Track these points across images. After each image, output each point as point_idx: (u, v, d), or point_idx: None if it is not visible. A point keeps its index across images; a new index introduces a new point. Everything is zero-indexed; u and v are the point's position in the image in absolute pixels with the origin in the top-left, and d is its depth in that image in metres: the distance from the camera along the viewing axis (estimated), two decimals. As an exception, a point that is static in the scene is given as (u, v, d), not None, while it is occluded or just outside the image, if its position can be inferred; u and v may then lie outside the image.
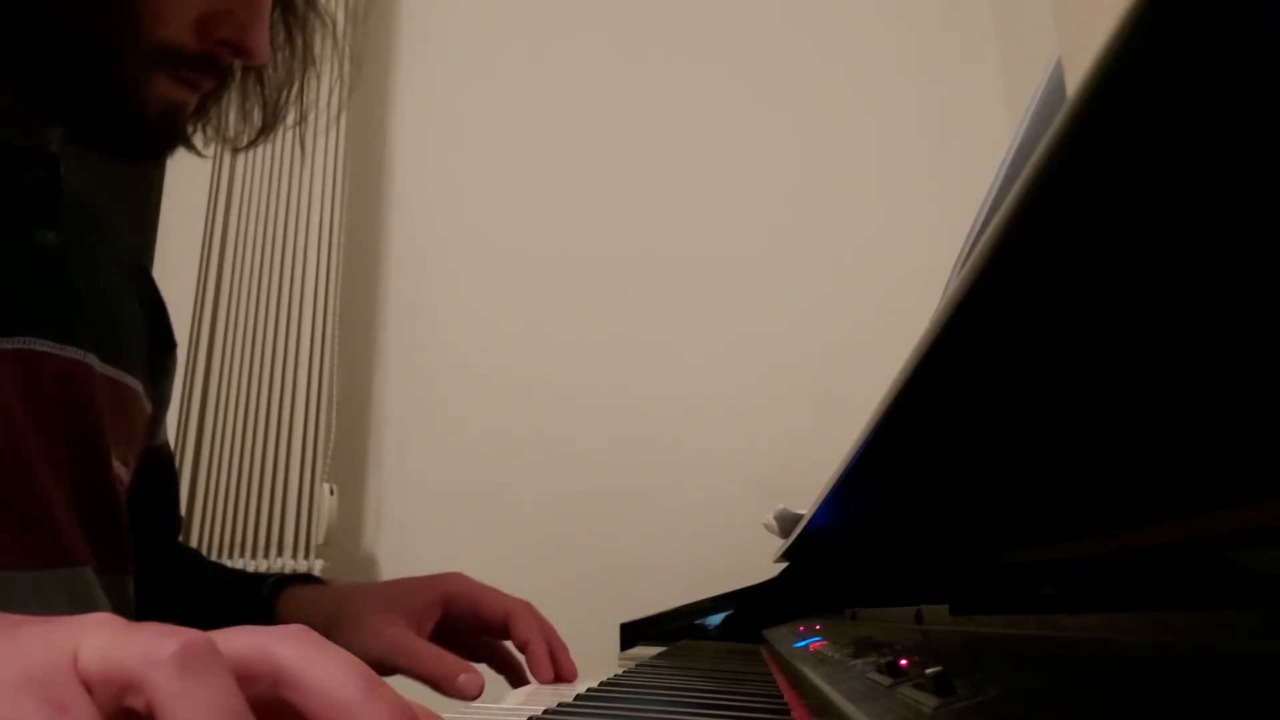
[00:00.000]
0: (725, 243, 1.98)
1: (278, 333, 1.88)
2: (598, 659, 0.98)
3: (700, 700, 0.48)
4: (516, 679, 0.71)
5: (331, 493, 1.87)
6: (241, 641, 0.25)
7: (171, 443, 0.81)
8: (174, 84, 0.55)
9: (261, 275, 1.90)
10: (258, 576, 0.75)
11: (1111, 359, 0.23)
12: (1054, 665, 0.29)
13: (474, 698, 0.60)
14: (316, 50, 0.72)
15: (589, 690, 0.52)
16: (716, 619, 1.10)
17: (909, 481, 0.46)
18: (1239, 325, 0.18)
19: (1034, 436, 0.31)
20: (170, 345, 0.74)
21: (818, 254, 1.95)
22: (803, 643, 0.79)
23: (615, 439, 1.90)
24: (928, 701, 0.31)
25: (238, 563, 1.77)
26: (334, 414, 1.90)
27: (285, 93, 0.71)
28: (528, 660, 0.68)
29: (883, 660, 0.41)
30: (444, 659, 0.63)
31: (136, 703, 0.23)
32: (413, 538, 1.91)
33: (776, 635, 0.97)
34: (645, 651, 1.04)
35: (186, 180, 1.91)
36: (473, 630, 0.71)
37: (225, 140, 0.70)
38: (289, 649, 0.25)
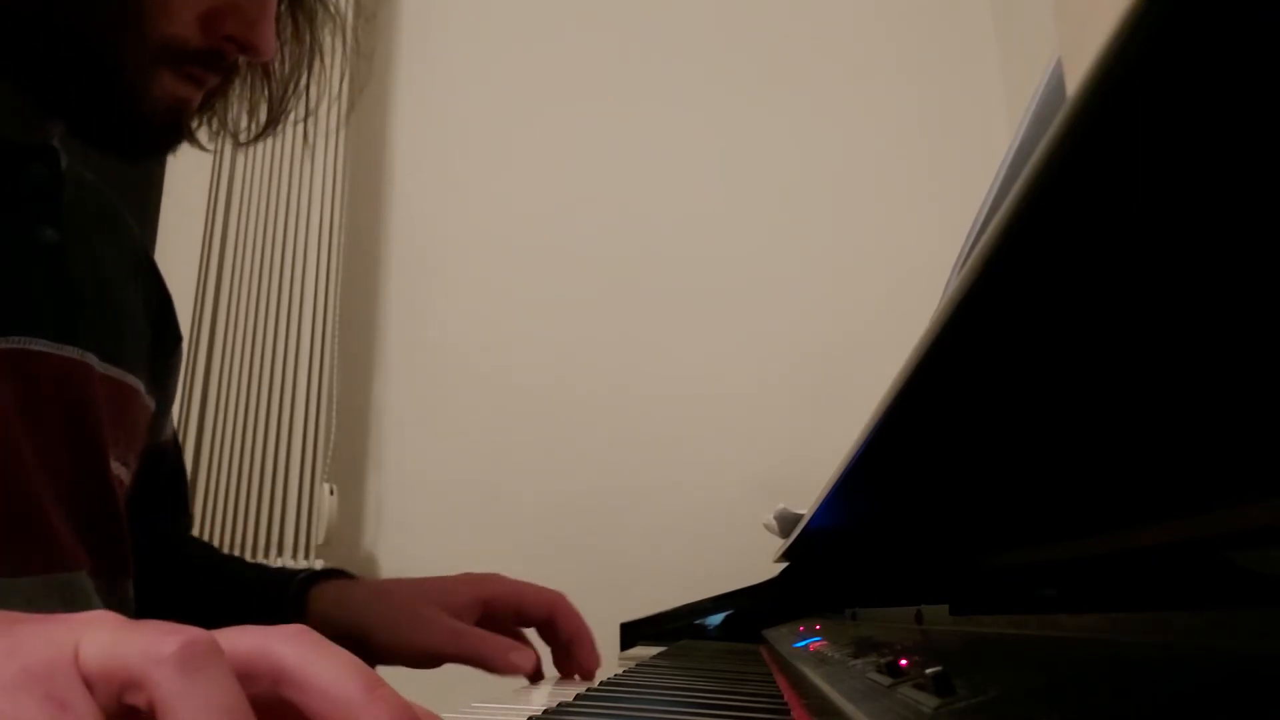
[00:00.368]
0: (725, 242, 1.98)
1: (278, 332, 1.88)
2: (598, 659, 0.98)
3: (700, 700, 0.48)
4: (537, 674, 0.71)
5: (331, 493, 1.87)
6: (243, 640, 0.25)
7: (173, 442, 0.80)
8: (179, 80, 0.55)
9: (261, 275, 1.90)
10: (284, 573, 0.75)
11: (1111, 359, 0.23)
12: (1054, 665, 0.29)
13: (529, 673, 0.61)
14: (324, 45, 0.71)
15: (589, 690, 0.52)
16: (716, 619, 1.10)
17: (909, 481, 0.46)
18: (1239, 325, 0.18)
19: (1034, 437, 0.31)
20: (176, 340, 0.74)
21: (817, 253, 1.95)
22: (803, 643, 0.79)
23: (615, 439, 1.90)
24: (928, 701, 0.31)
25: (238, 562, 1.77)
26: (334, 414, 1.90)
27: (291, 88, 0.71)
28: (575, 653, 0.68)
29: (883, 660, 0.41)
30: (492, 639, 0.64)
31: (137, 700, 0.23)
32: (413, 538, 1.91)
33: (776, 635, 0.97)
34: (645, 651, 1.04)
35: (186, 179, 1.91)
36: (510, 628, 0.71)
37: (230, 135, 0.70)
38: (290, 648, 0.25)
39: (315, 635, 0.26)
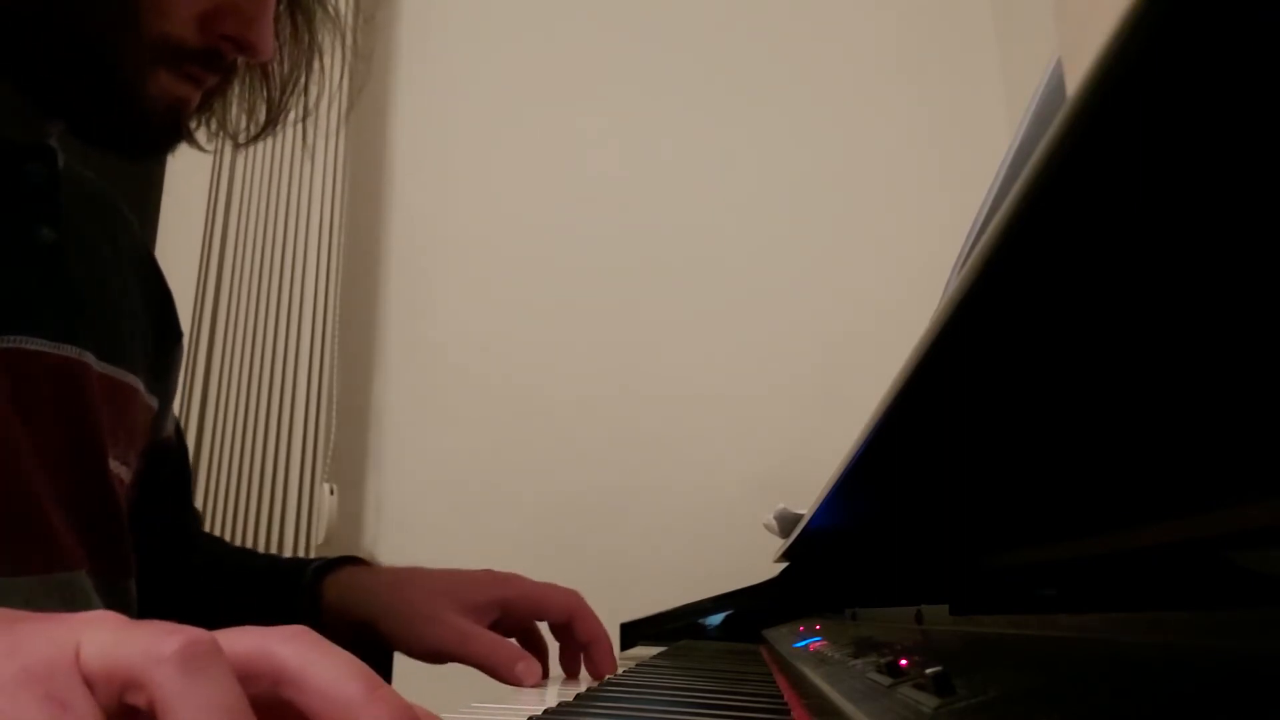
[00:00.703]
0: (725, 243, 1.98)
1: (278, 332, 1.88)
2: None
3: (700, 700, 0.48)
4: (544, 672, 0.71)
5: (331, 493, 1.87)
6: (243, 641, 0.25)
7: (174, 441, 0.80)
8: (177, 80, 0.55)
9: (261, 275, 1.90)
10: (297, 563, 0.74)
11: (1111, 359, 0.23)
12: (1054, 665, 0.29)
13: (533, 685, 0.61)
14: (322, 45, 0.71)
15: (589, 690, 0.52)
16: (716, 619, 1.10)
17: (909, 481, 0.46)
18: (1238, 325, 0.18)
19: (1033, 437, 0.31)
20: (176, 337, 0.73)
21: (817, 253, 1.95)
22: (803, 643, 0.79)
23: (615, 439, 1.90)
24: (928, 701, 0.31)
25: (238, 562, 1.77)
26: (334, 414, 1.90)
27: (290, 88, 0.71)
28: (592, 656, 0.68)
29: (883, 660, 0.41)
30: (502, 647, 0.63)
31: (138, 700, 0.23)
32: (413, 537, 1.91)
33: (776, 635, 0.97)
34: (645, 651, 1.04)
35: (187, 179, 1.91)
36: (526, 626, 0.71)
37: (229, 135, 0.69)
38: (290, 648, 0.25)
39: (315, 635, 0.26)
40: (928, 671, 0.32)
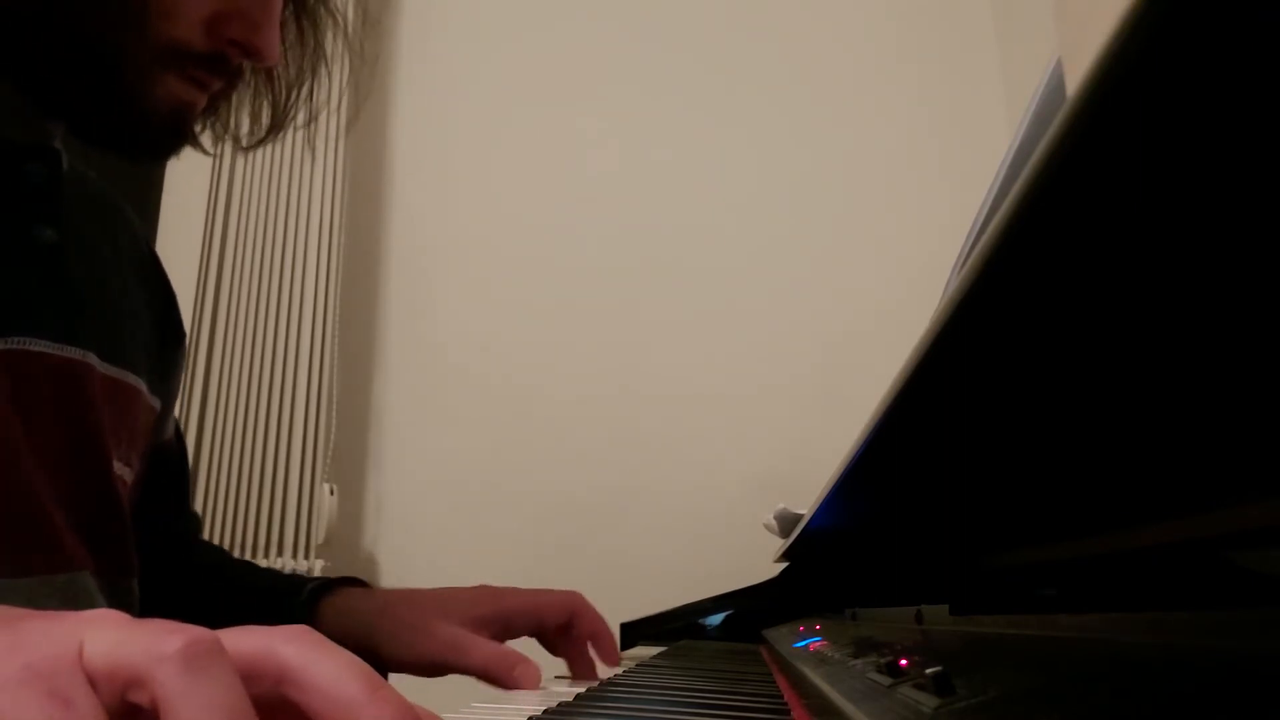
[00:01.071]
0: (725, 243, 1.99)
1: (278, 332, 1.88)
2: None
3: (700, 700, 0.48)
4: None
5: (331, 493, 1.87)
6: (246, 640, 0.25)
7: (174, 441, 0.80)
8: (183, 83, 0.55)
9: (261, 275, 1.90)
10: (296, 580, 0.74)
11: (1111, 359, 0.23)
12: (1054, 665, 0.29)
13: (533, 688, 0.61)
14: (328, 50, 0.71)
15: (589, 690, 0.52)
16: (716, 619, 1.10)
17: (909, 481, 0.46)
18: (1239, 325, 0.18)
19: (1033, 436, 0.31)
20: (179, 337, 0.73)
21: (817, 254, 1.95)
22: (803, 643, 0.79)
23: (615, 439, 1.90)
24: (928, 701, 0.31)
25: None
26: (334, 414, 1.90)
27: (295, 92, 0.71)
28: (598, 649, 0.68)
29: (883, 660, 0.41)
30: (499, 653, 0.63)
31: (140, 698, 0.24)
32: (413, 538, 1.91)
33: (776, 635, 0.97)
34: (645, 651, 1.04)
35: (187, 179, 1.91)
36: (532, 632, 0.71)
37: (233, 139, 0.69)
38: (293, 648, 0.25)
39: (318, 635, 0.26)
40: (928, 671, 0.32)
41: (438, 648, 0.64)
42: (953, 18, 2.04)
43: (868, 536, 0.72)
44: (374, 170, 2.10)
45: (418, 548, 1.90)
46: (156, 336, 0.69)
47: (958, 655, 0.39)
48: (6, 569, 0.51)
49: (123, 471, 0.61)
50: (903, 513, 0.55)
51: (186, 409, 1.80)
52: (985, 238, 0.19)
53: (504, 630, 0.68)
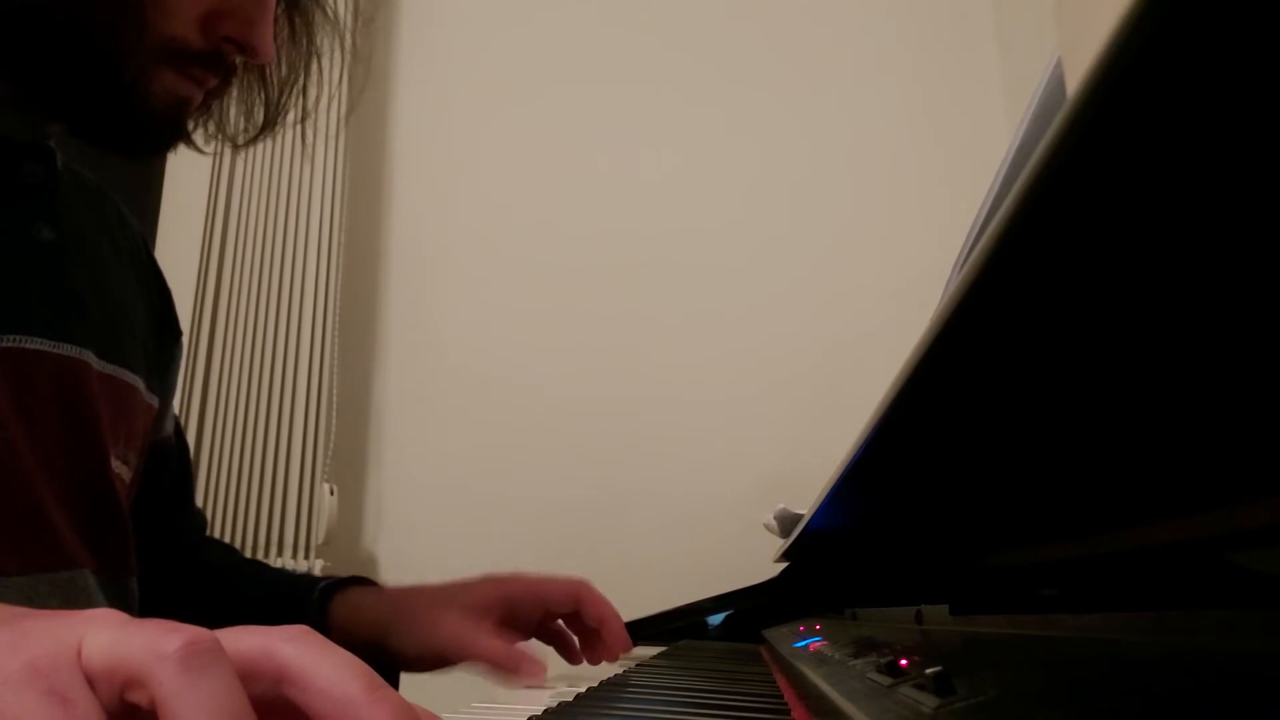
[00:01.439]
0: (725, 243, 1.99)
1: (278, 332, 1.88)
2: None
3: (700, 700, 0.48)
4: (574, 656, 0.71)
5: (331, 493, 1.87)
6: (245, 640, 0.25)
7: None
8: (180, 79, 0.55)
9: (261, 274, 1.90)
10: (306, 580, 0.74)
11: (1111, 359, 0.23)
12: (1054, 665, 0.29)
13: (538, 681, 0.60)
14: (320, 47, 0.71)
15: (589, 689, 0.52)
16: (716, 619, 1.10)
17: (909, 482, 0.46)
18: (1239, 325, 0.18)
19: (1033, 436, 0.31)
20: (176, 335, 0.74)
21: (817, 254, 1.95)
22: (803, 643, 0.79)
23: (615, 439, 1.90)
24: (928, 701, 0.31)
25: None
26: (334, 414, 1.90)
27: (288, 90, 0.71)
28: (605, 637, 0.68)
29: (883, 660, 0.41)
30: (503, 647, 0.62)
31: (139, 698, 0.24)
32: (413, 538, 1.91)
33: (776, 635, 0.97)
34: (645, 651, 1.04)
35: (186, 179, 1.91)
36: (536, 623, 0.71)
37: (227, 137, 0.70)
38: (292, 648, 0.25)
39: (317, 635, 0.26)
40: (928, 671, 0.32)
41: (444, 639, 0.64)
42: (953, 17, 2.04)
43: (868, 536, 0.72)
44: (374, 169, 2.10)
45: (418, 548, 1.90)
46: (153, 334, 0.69)
47: (958, 655, 0.39)
48: (7, 566, 0.51)
49: (121, 469, 0.61)
50: (903, 513, 0.55)
51: (186, 408, 1.80)
52: (985, 238, 0.19)
53: (509, 614, 0.68)
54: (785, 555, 1.02)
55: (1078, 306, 0.21)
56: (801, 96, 2.04)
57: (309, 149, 1.90)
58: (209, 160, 1.87)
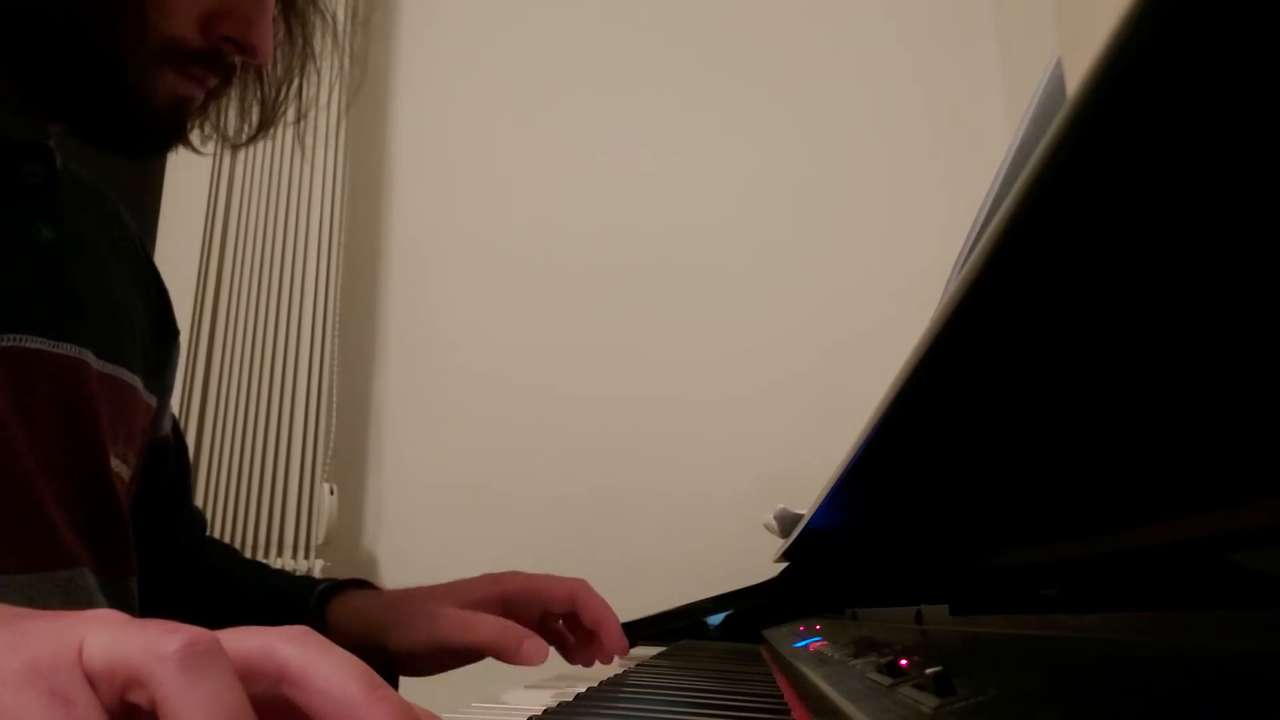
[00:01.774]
0: (725, 243, 1.99)
1: (278, 332, 1.88)
2: (598, 659, 0.98)
3: (700, 700, 0.48)
4: (573, 657, 0.71)
5: (331, 493, 1.87)
6: (245, 640, 0.25)
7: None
8: (181, 79, 0.56)
9: (261, 274, 1.90)
10: (305, 583, 0.74)
11: (1111, 359, 0.23)
12: (1054, 665, 0.29)
13: (539, 664, 0.60)
14: (316, 47, 0.72)
15: (589, 690, 0.52)
16: (716, 619, 1.10)
17: (909, 482, 0.46)
18: (1239, 326, 0.18)
19: (1033, 436, 0.31)
20: (173, 334, 0.74)
21: (817, 254, 1.95)
22: (803, 643, 0.79)
23: (615, 439, 1.90)
24: (928, 701, 0.31)
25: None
26: (334, 414, 1.90)
27: (284, 90, 0.71)
28: (601, 639, 0.67)
29: (883, 660, 0.41)
30: (505, 627, 0.62)
31: (139, 698, 0.24)
32: (413, 538, 1.91)
33: (776, 635, 0.97)
34: (645, 651, 1.04)
35: (186, 180, 1.91)
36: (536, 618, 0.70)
37: (224, 138, 0.70)
38: (292, 648, 0.25)
39: (317, 636, 0.26)
40: (928, 671, 0.32)
41: (445, 629, 0.64)
42: (953, 17, 2.04)
43: (868, 536, 0.72)
44: (373, 169, 2.10)
45: (418, 548, 1.90)
46: (151, 333, 0.69)
47: (958, 655, 0.39)
48: (7, 564, 0.51)
49: (120, 468, 0.61)
50: (903, 513, 0.55)
51: (186, 408, 1.80)
52: (985, 238, 0.19)
53: (505, 610, 0.68)
54: (785, 555, 1.02)
55: (1077, 306, 0.21)
56: (802, 97, 2.04)
57: (307, 149, 1.90)
58: (209, 160, 1.87)
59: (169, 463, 0.74)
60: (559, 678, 0.70)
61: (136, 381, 0.64)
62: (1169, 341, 0.21)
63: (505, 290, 2.00)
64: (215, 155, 0.70)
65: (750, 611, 1.10)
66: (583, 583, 0.69)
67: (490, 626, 0.62)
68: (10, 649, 0.24)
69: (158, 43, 0.54)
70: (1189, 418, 0.23)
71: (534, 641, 0.60)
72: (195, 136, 0.67)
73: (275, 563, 1.79)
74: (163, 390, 0.72)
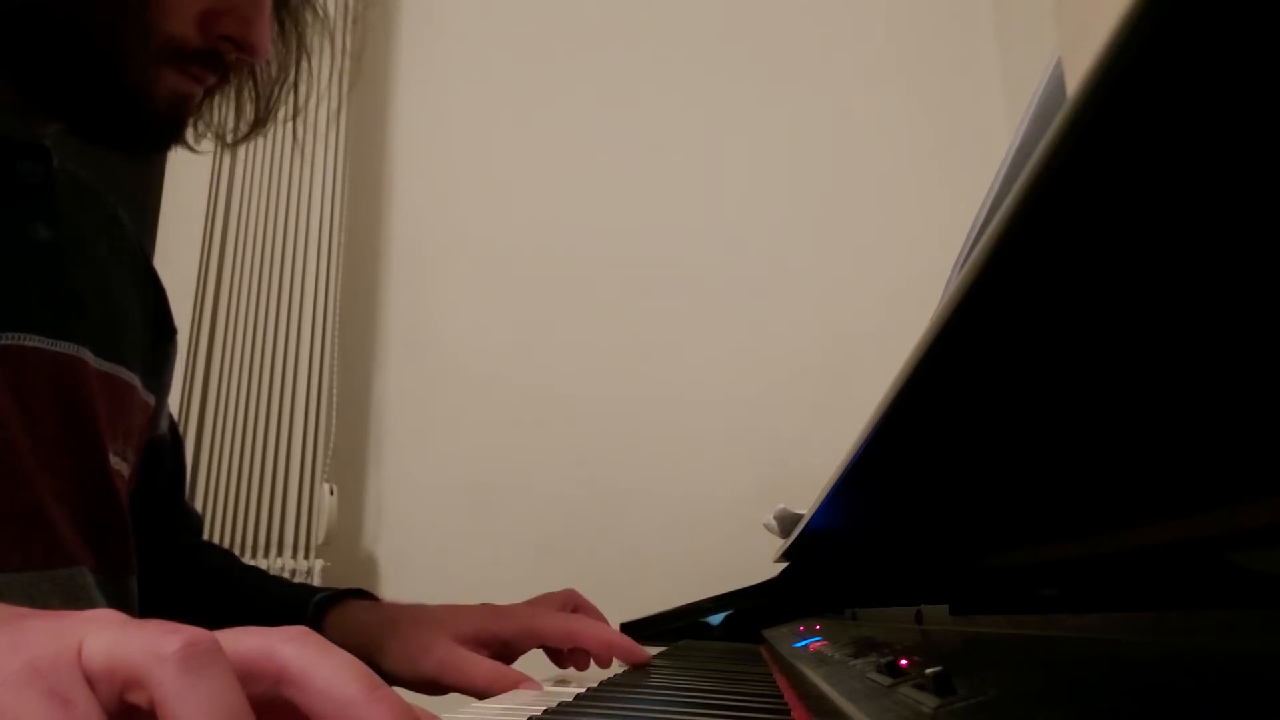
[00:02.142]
0: (725, 244, 1.99)
1: (278, 332, 1.88)
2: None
3: (700, 700, 0.48)
4: (579, 663, 0.71)
5: (331, 493, 1.87)
6: (245, 641, 0.25)
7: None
8: (180, 77, 0.56)
9: (261, 274, 1.91)
10: (303, 591, 0.74)
11: (1111, 359, 0.23)
12: (1054, 665, 0.29)
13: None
14: (310, 45, 0.72)
15: (589, 690, 0.52)
16: (716, 619, 1.10)
17: (909, 482, 0.46)
18: (1239, 326, 0.18)
19: (1033, 436, 0.31)
20: (171, 332, 0.74)
21: (818, 255, 1.96)
22: (803, 643, 0.79)
23: (616, 439, 1.90)
24: (928, 701, 0.31)
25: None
26: (334, 414, 1.90)
27: (279, 88, 0.71)
28: (622, 660, 0.67)
29: (883, 660, 0.41)
30: (499, 675, 0.62)
31: (139, 699, 0.24)
32: (413, 538, 1.91)
33: (776, 635, 0.97)
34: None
35: (186, 180, 1.91)
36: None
37: (217, 136, 0.70)
38: (292, 649, 0.25)
39: (317, 637, 0.26)
40: (928, 671, 0.32)
41: (437, 667, 0.64)
42: (953, 17, 2.04)
43: (868, 536, 0.72)
44: (373, 169, 2.10)
45: (418, 548, 1.90)
46: (148, 332, 0.69)
47: (958, 655, 0.39)
48: (6, 563, 0.51)
49: (119, 466, 0.61)
50: (903, 513, 0.55)
51: (186, 408, 1.80)
52: (985, 238, 0.19)
53: (503, 652, 0.68)
54: (785, 555, 1.02)
55: (1078, 306, 0.21)
56: (802, 97, 2.04)
57: (305, 147, 1.90)
58: (209, 160, 1.87)
59: (166, 462, 0.74)
60: (559, 679, 0.70)
61: (135, 380, 0.64)
62: (1169, 341, 0.21)
63: (505, 290, 2.00)
64: (215, 155, 0.71)
65: (750, 611, 1.10)
66: (580, 619, 0.69)
67: (484, 674, 0.62)
68: (10, 649, 0.24)
69: (158, 42, 0.54)
70: (1189, 418, 0.23)
71: (528, 685, 0.60)
72: (190, 134, 0.67)
73: (275, 563, 1.79)
74: (160, 389, 0.72)
